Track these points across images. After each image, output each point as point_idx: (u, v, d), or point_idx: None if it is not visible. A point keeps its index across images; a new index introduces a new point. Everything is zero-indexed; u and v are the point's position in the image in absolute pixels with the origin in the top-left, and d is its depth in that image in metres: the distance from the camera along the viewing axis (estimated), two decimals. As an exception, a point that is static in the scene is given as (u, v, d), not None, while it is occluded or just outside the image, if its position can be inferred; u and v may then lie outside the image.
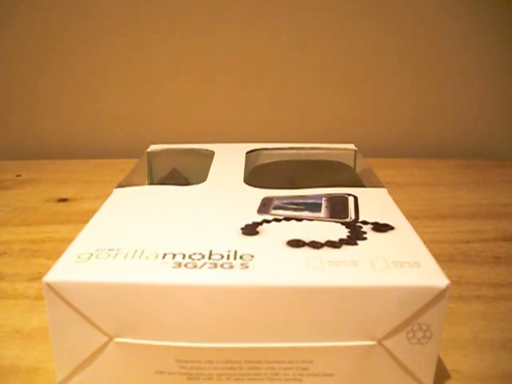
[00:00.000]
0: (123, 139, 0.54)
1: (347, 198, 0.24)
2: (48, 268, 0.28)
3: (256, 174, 0.31)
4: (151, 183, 0.34)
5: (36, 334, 0.23)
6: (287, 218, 0.22)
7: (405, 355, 0.18)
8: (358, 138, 0.52)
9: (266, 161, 0.34)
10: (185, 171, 0.34)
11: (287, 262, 0.18)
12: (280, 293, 0.17)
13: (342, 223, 0.21)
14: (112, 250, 0.19)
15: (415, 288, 0.17)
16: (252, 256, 0.18)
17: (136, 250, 0.19)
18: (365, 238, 0.20)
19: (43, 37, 0.51)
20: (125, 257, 0.18)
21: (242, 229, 0.21)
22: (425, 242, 0.20)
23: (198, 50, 0.51)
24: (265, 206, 0.23)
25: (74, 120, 0.54)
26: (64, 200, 0.40)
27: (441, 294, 0.17)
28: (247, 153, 0.33)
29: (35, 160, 0.52)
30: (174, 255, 0.18)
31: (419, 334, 0.17)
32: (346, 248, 0.19)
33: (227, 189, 0.26)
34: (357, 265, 0.18)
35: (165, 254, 0.18)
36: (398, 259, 0.18)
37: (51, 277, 0.17)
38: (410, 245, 0.19)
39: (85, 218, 0.24)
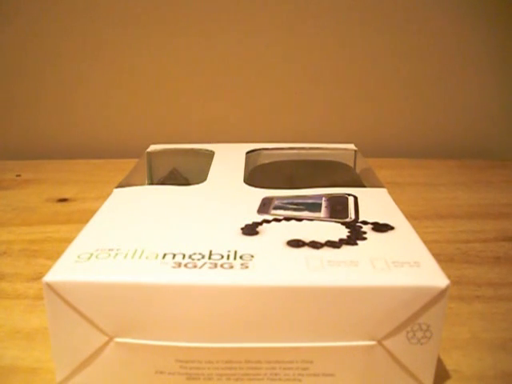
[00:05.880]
0: (123, 139, 0.54)
1: (347, 198, 0.24)
2: (48, 268, 0.28)
3: (256, 174, 0.31)
4: (151, 183, 0.34)
5: (36, 334, 0.23)
6: (287, 218, 0.22)
7: (405, 355, 0.18)
8: (358, 137, 0.52)
9: (266, 161, 0.34)
10: (185, 171, 0.34)
11: (287, 262, 0.18)
12: (280, 293, 0.17)
13: (342, 223, 0.21)
14: (112, 250, 0.19)
15: (415, 288, 0.17)
16: (252, 256, 0.18)
17: (136, 250, 0.19)
18: (365, 238, 0.20)
19: (44, 37, 0.51)
20: (125, 257, 0.18)
21: (241, 229, 0.21)
22: (425, 242, 0.20)
23: (197, 50, 0.51)
24: (265, 205, 0.23)
25: (74, 120, 0.54)
26: (64, 200, 0.40)
27: (441, 294, 0.17)
28: (247, 153, 0.33)
29: (35, 160, 0.52)
30: (174, 255, 0.18)
31: (419, 334, 0.17)
32: (345, 248, 0.19)
33: (227, 189, 0.26)
34: (357, 265, 0.18)
35: (165, 254, 0.18)
36: (398, 259, 0.18)
37: (51, 277, 0.17)
38: (410, 245, 0.19)
39: (85, 217, 0.24)
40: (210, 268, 0.17)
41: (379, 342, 0.17)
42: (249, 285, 0.17)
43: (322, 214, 0.22)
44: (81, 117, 0.54)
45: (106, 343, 0.18)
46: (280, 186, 0.26)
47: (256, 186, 0.26)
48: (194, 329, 0.17)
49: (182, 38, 0.51)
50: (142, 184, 0.32)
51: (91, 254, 0.19)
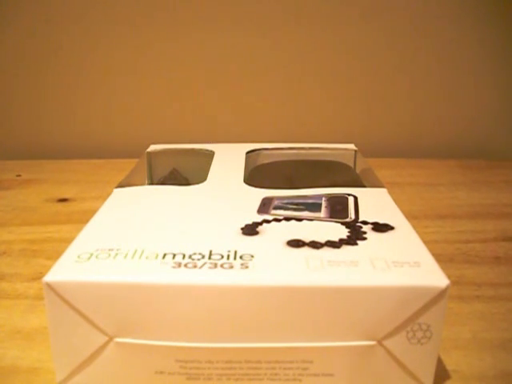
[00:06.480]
0: (123, 139, 0.54)
1: (347, 198, 0.24)
2: (48, 268, 0.28)
3: (256, 174, 0.31)
4: (151, 183, 0.34)
5: (36, 334, 0.23)
6: (287, 218, 0.22)
7: (405, 355, 0.18)
8: (358, 138, 0.52)
9: (266, 161, 0.34)
10: (185, 171, 0.34)
11: (287, 262, 0.18)
12: (280, 293, 0.17)
13: (342, 223, 0.21)
14: (112, 250, 0.19)
15: (415, 288, 0.17)
16: (252, 256, 0.18)
17: (136, 250, 0.19)
18: (365, 238, 0.20)
19: (44, 37, 0.51)
20: (125, 257, 0.18)
21: (241, 229, 0.21)
22: (425, 242, 0.20)
23: (197, 50, 0.51)
24: (265, 205, 0.23)
25: (74, 120, 0.54)
26: (64, 200, 0.40)
27: (441, 294, 0.17)
28: (247, 153, 0.33)
29: (35, 160, 0.52)
30: (174, 255, 0.18)
31: (419, 334, 0.17)
32: (345, 248, 0.19)
33: (227, 189, 0.26)
34: (357, 265, 0.18)
35: (165, 254, 0.18)
36: (398, 259, 0.18)
37: (51, 277, 0.17)
38: (410, 245, 0.19)
39: (85, 217, 0.24)
40: (210, 268, 0.17)
41: (379, 342, 0.17)
42: (249, 285, 0.17)
43: (322, 214, 0.22)
44: (81, 117, 0.54)
45: (106, 343, 0.18)
46: (280, 186, 0.26)
47: (256, 186, 0.26)
48: (193, 329, 0.17)
49: (182, 38, 0.51)
50: (142, 184, 0.32)
51: (91, 254, 0.19)
